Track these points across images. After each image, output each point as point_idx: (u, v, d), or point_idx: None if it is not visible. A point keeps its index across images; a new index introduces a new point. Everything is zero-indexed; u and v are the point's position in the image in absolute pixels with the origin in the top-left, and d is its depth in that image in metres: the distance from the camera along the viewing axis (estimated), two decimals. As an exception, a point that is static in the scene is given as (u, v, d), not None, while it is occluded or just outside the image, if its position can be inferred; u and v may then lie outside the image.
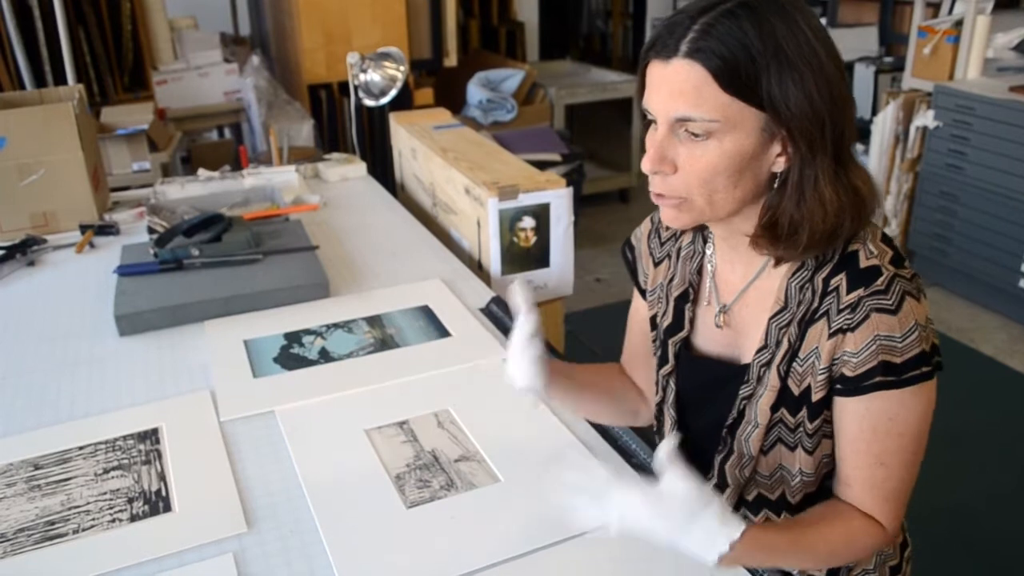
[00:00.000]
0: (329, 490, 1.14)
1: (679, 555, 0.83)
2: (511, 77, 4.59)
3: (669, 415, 1.09)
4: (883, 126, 3.94)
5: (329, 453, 1.22)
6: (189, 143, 4.05)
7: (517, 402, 1.33)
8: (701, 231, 1.06)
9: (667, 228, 1.10)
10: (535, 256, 1.91)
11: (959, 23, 3.70)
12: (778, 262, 0.94)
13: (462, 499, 1.11)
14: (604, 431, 1.24)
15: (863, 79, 4.36)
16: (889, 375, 0.87)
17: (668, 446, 0.84)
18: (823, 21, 4.59)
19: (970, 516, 2.49)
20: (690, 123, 0.85)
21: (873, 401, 0.89)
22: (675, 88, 0.84)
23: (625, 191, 5.18)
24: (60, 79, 3.35)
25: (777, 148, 0.87)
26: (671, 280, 1.08)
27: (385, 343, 1.52)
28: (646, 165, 0.89)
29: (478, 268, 1.93)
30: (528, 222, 1.87)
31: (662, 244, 1.11)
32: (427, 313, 1.63)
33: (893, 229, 4.04)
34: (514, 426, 1.27)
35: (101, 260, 1.90)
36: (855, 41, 4.53)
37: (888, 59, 4.45)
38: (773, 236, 0.90)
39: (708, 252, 1.05)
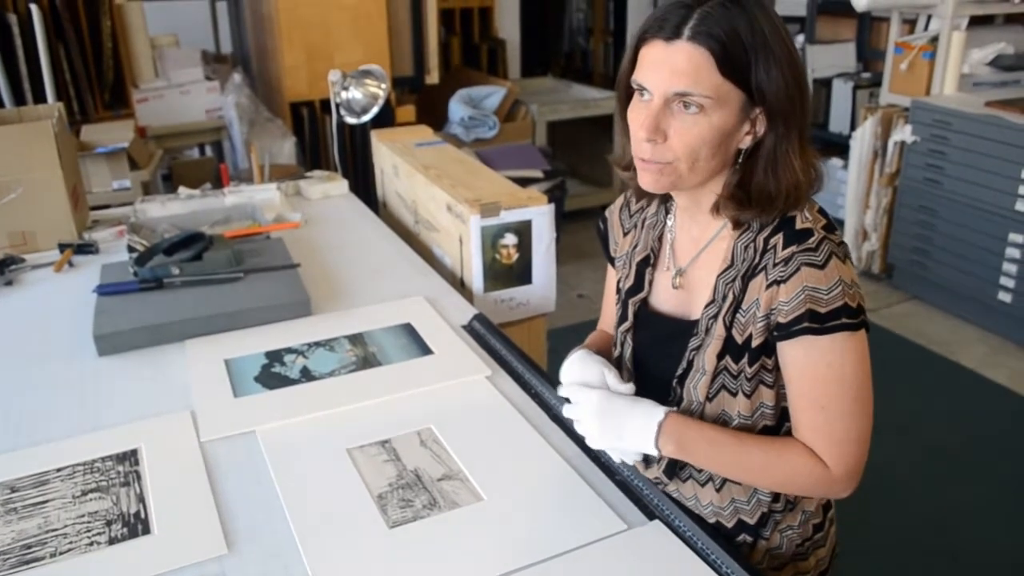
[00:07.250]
0: (310, 511, 1.13)
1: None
2: (493, 94, 4.61)
3: (626, 369, 1.20)
4: (861, 141, 3.99)
5: (310, 473, 1.21)
6: (170, 161, 4.03)
7: (500, 420, 1.33)
8: (664, 203, 1.17)
9: (636, 201, 1.22)
10: (517, 273, 1.91)
11: (935, 39, 3.76)
12: (736, 225, 1.05)
13: (445, 518, 1.11)
14: (588, 450, 1.24)
15: (841, 95, 4.41)
16: (814, 322, 0.97)
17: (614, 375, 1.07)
18: (801, 37, 4.66)
19: (951, 527, 2.51)
20: (688, 97, 0.95)
21: (809, 349, 0.99)
22: (678, 67, 0.95)
23: (607, 207, 5.19)
24: (40, 97, 3.33)
25: (747, 127, 0.99)
26: (635, 247, 1.20)
27: (367, 361, 1.52)
28: (642, 133, 0.99)
29: (460, 285, 1.93)
30: (510, 239, 1.87)
31: (631, 216, 1.24)
32: (409, 331, 1.62)
33: (873, 243, 4.08)
34: (497, 444, 1.27)
35: (80, 279, 1.89)
36: (833, 57, 4.58)
37: (866, 75, 4.50)
38: (741, 202, 1.02)
39: (669, 223, 1.16)
